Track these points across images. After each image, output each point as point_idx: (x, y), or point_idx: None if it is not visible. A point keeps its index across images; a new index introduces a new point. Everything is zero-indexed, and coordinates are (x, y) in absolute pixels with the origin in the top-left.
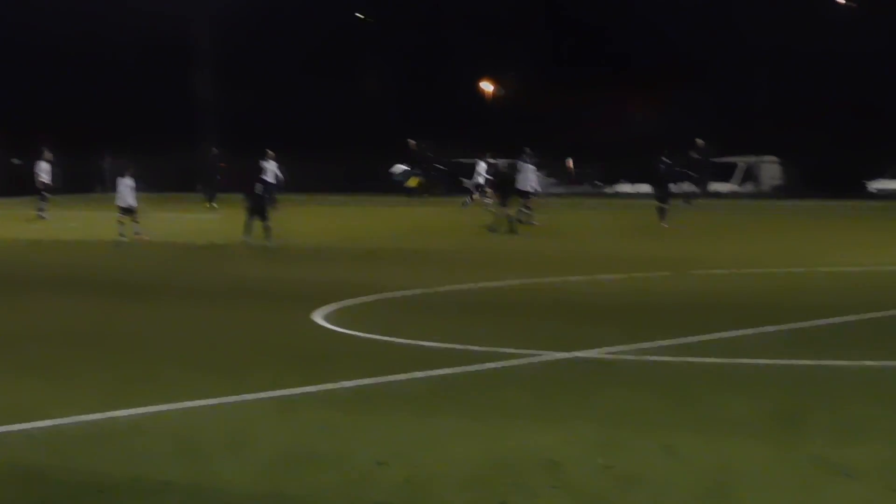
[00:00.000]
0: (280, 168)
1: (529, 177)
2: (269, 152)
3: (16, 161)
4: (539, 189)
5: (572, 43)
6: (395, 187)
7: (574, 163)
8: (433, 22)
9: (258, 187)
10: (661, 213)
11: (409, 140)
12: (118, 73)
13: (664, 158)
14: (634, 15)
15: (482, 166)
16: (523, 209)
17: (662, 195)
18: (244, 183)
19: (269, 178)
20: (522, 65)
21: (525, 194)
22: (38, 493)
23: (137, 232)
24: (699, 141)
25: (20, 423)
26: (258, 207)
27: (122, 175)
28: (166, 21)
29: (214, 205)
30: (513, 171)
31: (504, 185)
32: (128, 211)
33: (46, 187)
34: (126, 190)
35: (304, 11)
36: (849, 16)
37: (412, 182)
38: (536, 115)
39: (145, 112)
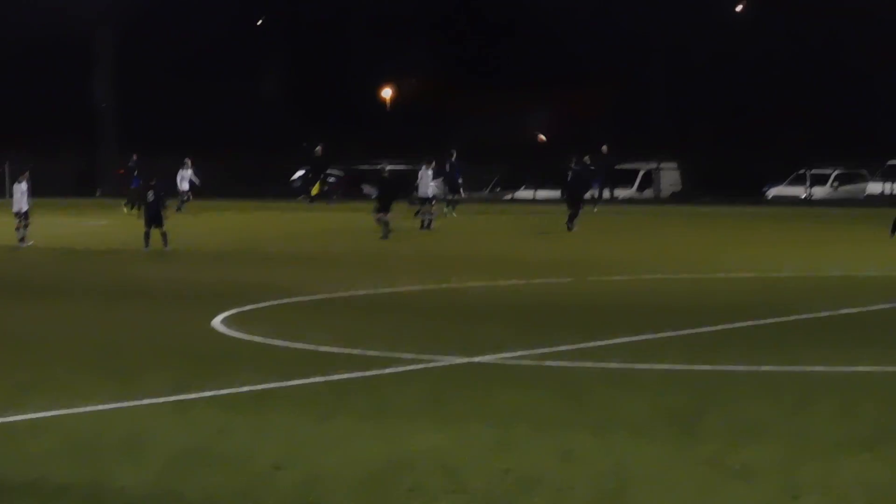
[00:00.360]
0: (196, 173)
1: (429, 182)
2: (187, 160)
3: None
4: (438, 195)
5: (473, 48)
6: (296, 192)
7: (453, 169)
8: (333, 26)
9: (150, 195)
10: (571, 218)
11: (317, 146)
12: (13, 75)
13: (574, 165)
14: (534, 21)
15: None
16: (426, 214)
17: (574, 200)
18: (127, 189)
19: (186, 184)
20: (422, 69)
21: (426, 200)
22: None
23: (19, 237)
24: (604, 147)
25: None
26: (153, 215)
27: (18, 180)
28: (64, 23)
29: (131, 210)
30: (399, 178)
31: (387, 191)
32: (21, 215)
33: None
34: (20, 195)
35: (202, 14)
36: (744, 21)
37: (315, 189)
38: (436, 119)
39: (41, 115)
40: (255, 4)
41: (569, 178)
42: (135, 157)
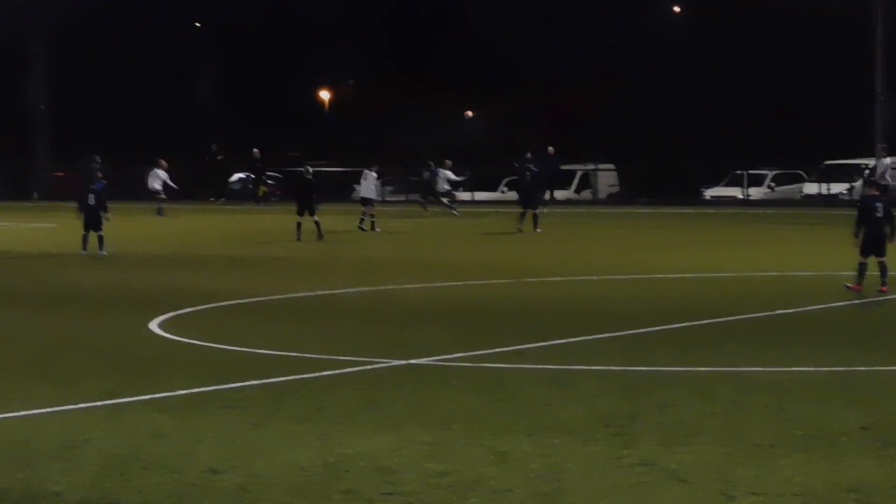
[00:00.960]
0: (171, 177)
1: (371, 185)
2: (162, 161)
3: None
4: (378, 197)
5: (409, 51)
6: (232, 195)
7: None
8: (268, 28)
9: (90, 198)
10: (535, 219)
11: (254, 149)
12: None
13: (531, 165)
14: (471, 24)
15: (445, 173)
16: (366, 216)
17: (531, 201)
18: (78, 193)
19: (159, 185)
20: (359, 72)
21: (368, 202)
22: None
23: None
24: (550, 149)
25: None
26: (92, 218)
27: None
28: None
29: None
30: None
31: (307, 191)
32: None
33: None
34: None
35: (137, 17)
36: (679, 23)
37: (260, 191)
38: (373, 122)
39: None
40: (189, 7)
41: (528, 179)
42: (98, 159)
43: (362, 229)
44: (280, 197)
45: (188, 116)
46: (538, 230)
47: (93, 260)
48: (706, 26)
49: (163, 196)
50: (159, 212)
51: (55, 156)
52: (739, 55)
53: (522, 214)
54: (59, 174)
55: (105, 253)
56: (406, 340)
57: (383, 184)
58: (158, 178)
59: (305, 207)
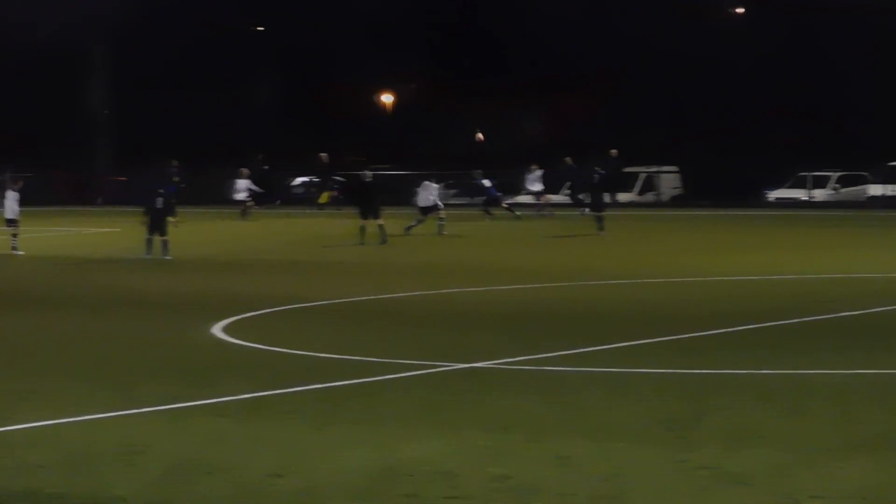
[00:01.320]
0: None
1: (431, 194)
2: (243, 170)
3: None
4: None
5: (471, 54)
6: (294, 200)
7: (478, 174)
8: (331, 32)
9: (158, 201)
10: (599, 221)
11: (322, 154)
12: (11, 85)
13: (598, 168)
14: (532, 25)
15: (537, 174)
16: (442, 221)
17: (597, 204)
18: (143, 197)
19: (244, 196)
20: (421, 75)
21: (427, 210)
22: None
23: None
24: (612, 151)
25: None
26: (157, 222)
27: (11, 188)
28: (61, 33)
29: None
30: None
31: (371, 196)
32: (13, 223)
33: None
34: (12, 203)
35: (199, 22)
36: (742, 23)
37: (324, 197)
38: (435, 126)
39: (40, 125)
40: (251, 11)
41: (596, 182)
42: (175, 163)
43: (443, 233)
44: (342, 201)
45: (249, 121)
46: (602, 233)
47: (156, 264)
48: (767, 26)
49: (250, 202)
50: (244, 213)
51: (118, 161)
52: (801, 55)
53: (599, 219)
54: (122, 179)
55: (170, 257)
56: (467, 344)
57: (446, 187)
58: (242, 188)
59: (370, 212)
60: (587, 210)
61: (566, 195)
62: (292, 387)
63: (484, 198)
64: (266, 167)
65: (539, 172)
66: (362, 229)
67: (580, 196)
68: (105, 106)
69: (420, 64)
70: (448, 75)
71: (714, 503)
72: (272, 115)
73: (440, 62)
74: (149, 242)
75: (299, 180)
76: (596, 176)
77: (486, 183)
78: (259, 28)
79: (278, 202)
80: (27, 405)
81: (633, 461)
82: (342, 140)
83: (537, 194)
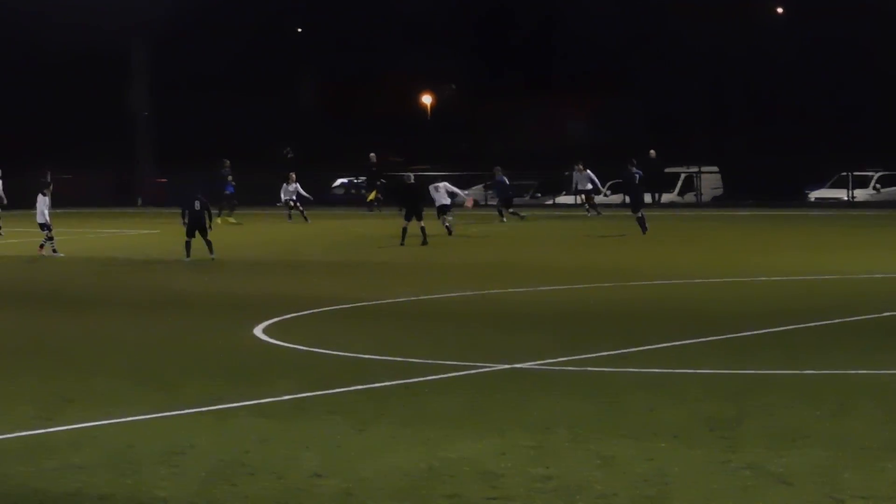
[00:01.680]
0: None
1: (443, 194)
2: (292, 175)
3: None
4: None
5: (511, 54)
6: (336, 201)
7: (506, 174)
8: (372, 33)
9: (197, 203)
10: (641, 222)
11: (371, 154)
12: (51, 87)
13: (634, 169)
14: (572, 24)
15: (586, 173)
16: (446, 222)
17: (637, 204)
18: (182, 199)
19: (289, 196)
20: (461, 76)
21: (446, 208)
22: None
23: (44, 246)
24: (651, 152)
25: None
26: (198, 224)
27: (42, 192)
28: (100, 35)
29: (231, 219)
30: (420, 185)
31: (412, 198)
32: (45, 227)
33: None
34: (42, 207)
35: (238, 23)
36: (781, 23)
37: (373, 195)
38: (475, 126)
39: (80, 127)
40: (290, 13)
41: (637, 181)
42: (227, 164)
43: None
44: (382, 202)
45: (289, 122)
46: (645, 233)
47: (198, 266)
48: (808, 26)
49: (299, 206)
50: (290, 216)
51: (158, 162)
52: (843, 55)
53: (640, 219)
54: (163, 180)
55: (214, 256)
56: (509, 344)
57: (486, 188)
58: (288, 192)
59: (413, 213)
60: (590, 211)
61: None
62: (335, 388)
63: (506, 196)
64: (291, 155)
65: (588, 172)
66: (404, 230)
67: (579, 197)
68: (145, 107)
69: (460, 65)
70: (488, 76)
71: (758, 503)
72: (312, 116)
73: (480, 63)
74: (188, 245)
75: (340, 181)
76: (636, 176)
77: (506, 180)
78: (299, 29)
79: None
80: (72, 406)
81: (676, 461)
82: (382, 141)
83: (587, 193)
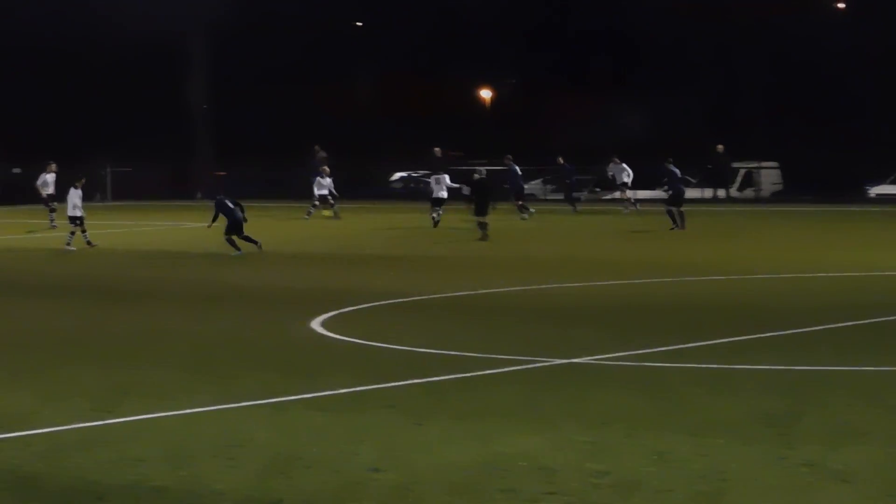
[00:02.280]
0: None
1: (444, 187)
2: (325, 168)
3: (16, 170)
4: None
5: (570, 48)
6: (394, 195)
7: (569, 169)
8: (431, 26)
9: (229, 202)
10: (681, 217)
11: (435, 148)
12: (112, 80)
13: (670, 166)
14: (632, 19)
15: (622, 166)
16: (437, 215)
17: (675, 199)
18: (217, 201)
19: (322, 191)
20: (520, 70)
21: (440, 202)
22: (34, 500)
23: (70, 242)
24: (719, 147)
25: (14, 430)
26: (237, 223)
27: (74, 186)
28: (160, 28)
29: (325, 212)
30: (491, 179)
31: (481, 193)
32: (77, 220)
33: (51, 197)
34: (75, 200)
35: (296, 17)
36: (842, 17)
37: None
38: (533, 121)
39: (139, 118)
40: (350, 6)
41: (677, 178)
42: (321, 153)
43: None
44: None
45: (348, 115)
46: (677, 228)
47: (254, 259)
48: (869, 21)
49: (332, 201)
50: (310, 213)
51: (217, 155)
52: None
53: (671, 212)
54: (222, 173)
55: (259, 244)
56: (566, 339)
57: (545, 182)
58: (322, 186)
59: (483, 208)
60: (628, 206)
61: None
62: (392, 381)
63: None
64: (324, 155)
65: (623, 164)
66: (482, 225)
67: (575, 195)
68: (204, 101)
69: (519, 59)
70: (547, 70)
71: (816, 500)
72: (370, 110)
73: (539, 57)
74: (232, 241)
75: (398, 175)
76: (674, 173)
77: (518, 170)
78: (358, 23)
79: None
80: (128, 398)
81: (733, 458)
82: (439, 135)
83: (622, 187)
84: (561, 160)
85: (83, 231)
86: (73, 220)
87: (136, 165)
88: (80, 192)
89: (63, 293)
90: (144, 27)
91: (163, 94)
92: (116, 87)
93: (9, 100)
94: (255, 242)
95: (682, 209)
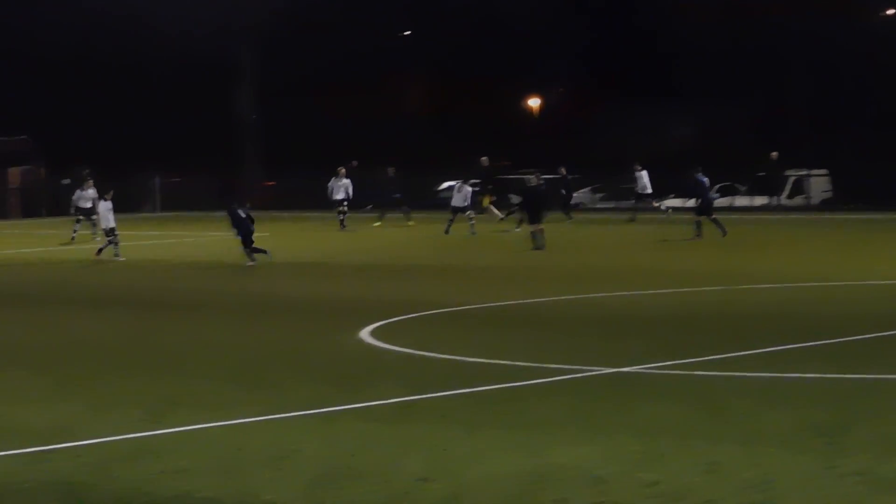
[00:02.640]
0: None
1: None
2: (341, 169)
3: (65, 181)
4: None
5: (619, 57)
6: (442, 204)
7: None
8: (478, 36)
9: (241, 212)
10: (718, 225)
11: (482, 157)
12: (160, 91)
13: (699, 176)
14: (679, 27)
15: (643, 173)
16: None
17: (704, 208)
18: (232, 213)
19: (341, 194)
20: (569, 79)
21: (458, 210)
22: None
23: (102, 251)
24: (773, 154)
25: (66, 441)
26: (247, 233)
27: (104, 198)
28: (210, 39)
29: (410, 223)
30: (545, 188)
31: (535, 201)
32: (111, 231)
33: (87, 211)
34: (107, 212)
35: (344, 27)
36: (890, 24)
37: (485, 200)
38: (582, 129)
39: (188, 130)
40: (398, 15)
41: (705, 186)
42: (392, 171)
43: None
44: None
45: (395, 125)
46: (698, 238)
47: (302, 269)
48: None
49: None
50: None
51: (266, 166)
52: None
53: (698, 223)
54: (271, 183)
55: (254, 263)
56: (614, 348)
57: (593, 191)
58: (342, 189)
59: (538, 216)
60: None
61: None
62: (441, 391)
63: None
64: (354, 163)
65: (644, 172)
66: (536, 234)
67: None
68: (253, 111)
69: (568, 67)
70: (596, 79)
71: None
72: (418, 119)
73: (588, 65)
74: (252, 251)
75: (446, 184)
76: (703, 182)
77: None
78: (406, 32)
79: (369, 207)
80: (178, 409)
81: (783, 467)
82: (487, 144)
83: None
84: (563, 170)
85: (113, 244)
86: (109, 231)
87: (184, 176)
88: (109, 203)
89: (112, 304)
90: (193, 39)
91: (212, 105)
92: (165, 99)
93: (58, 110)
94: (265, 252)
95: (715, 217)
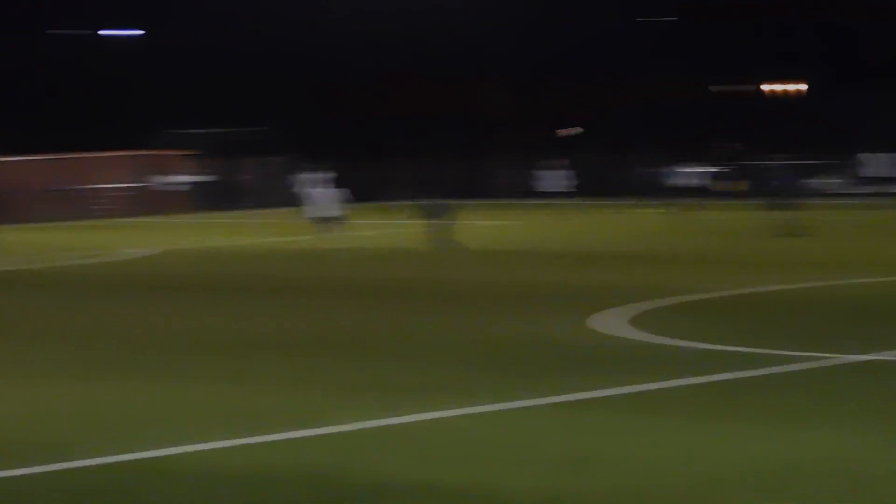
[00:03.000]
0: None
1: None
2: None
3: (304, 175)
4: None
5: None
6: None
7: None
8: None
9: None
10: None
11: (730, 143)
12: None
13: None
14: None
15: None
16: None
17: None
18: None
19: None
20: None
21: None
22: (328, 497)
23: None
24: None
25: (306, 428)
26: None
27: (331, 186)
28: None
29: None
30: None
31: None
32: (335, 220)
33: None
34: (331, 200)
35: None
36: None
37: (741, 187)
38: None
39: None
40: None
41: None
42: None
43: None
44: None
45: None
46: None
47: (531, 256)
48: None
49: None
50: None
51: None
52: None
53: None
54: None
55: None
56: (866, 335)
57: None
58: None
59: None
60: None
61: None
62: (683, 378)
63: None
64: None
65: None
66: (792, 220)
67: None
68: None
69: (810, 56)
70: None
71: None
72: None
73: (833, 53)
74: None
75: (683, 170)
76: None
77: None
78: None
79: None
80: (416, 397)
81: None
82: (727, 129)
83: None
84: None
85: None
86: (326, 220)
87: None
88: (338, 191)
89: (357, 294)
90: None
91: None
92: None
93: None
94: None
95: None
